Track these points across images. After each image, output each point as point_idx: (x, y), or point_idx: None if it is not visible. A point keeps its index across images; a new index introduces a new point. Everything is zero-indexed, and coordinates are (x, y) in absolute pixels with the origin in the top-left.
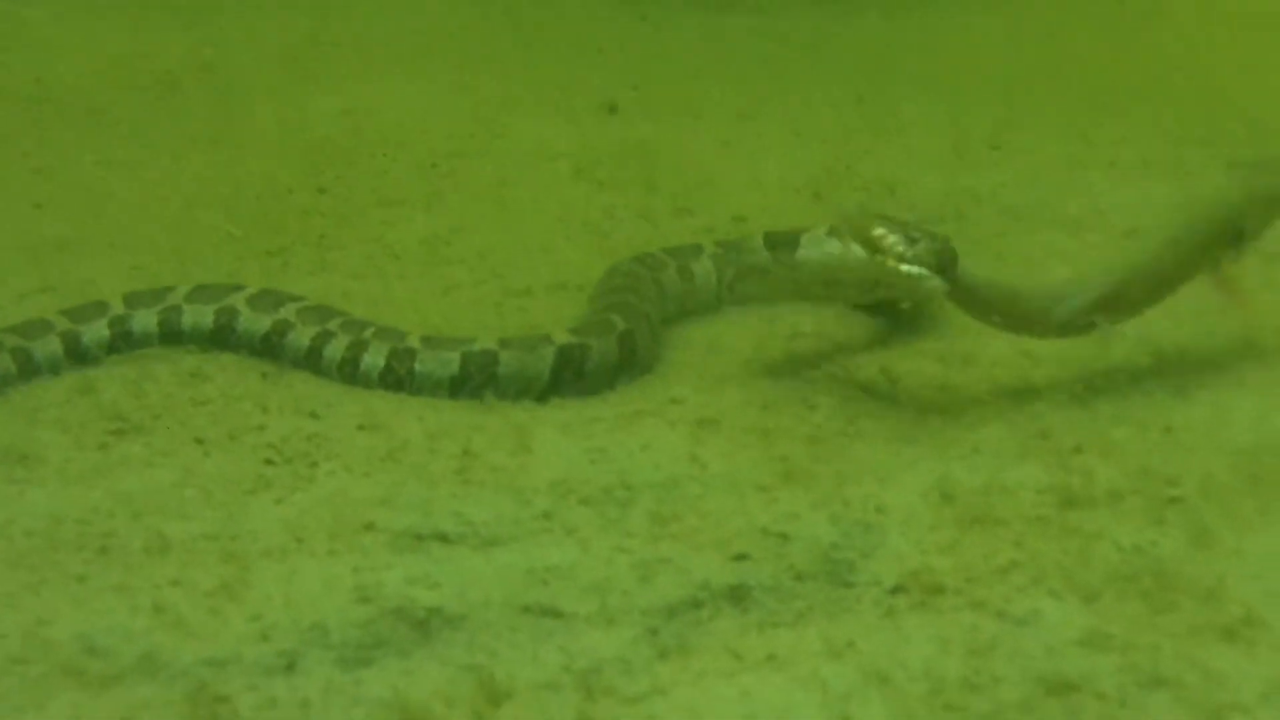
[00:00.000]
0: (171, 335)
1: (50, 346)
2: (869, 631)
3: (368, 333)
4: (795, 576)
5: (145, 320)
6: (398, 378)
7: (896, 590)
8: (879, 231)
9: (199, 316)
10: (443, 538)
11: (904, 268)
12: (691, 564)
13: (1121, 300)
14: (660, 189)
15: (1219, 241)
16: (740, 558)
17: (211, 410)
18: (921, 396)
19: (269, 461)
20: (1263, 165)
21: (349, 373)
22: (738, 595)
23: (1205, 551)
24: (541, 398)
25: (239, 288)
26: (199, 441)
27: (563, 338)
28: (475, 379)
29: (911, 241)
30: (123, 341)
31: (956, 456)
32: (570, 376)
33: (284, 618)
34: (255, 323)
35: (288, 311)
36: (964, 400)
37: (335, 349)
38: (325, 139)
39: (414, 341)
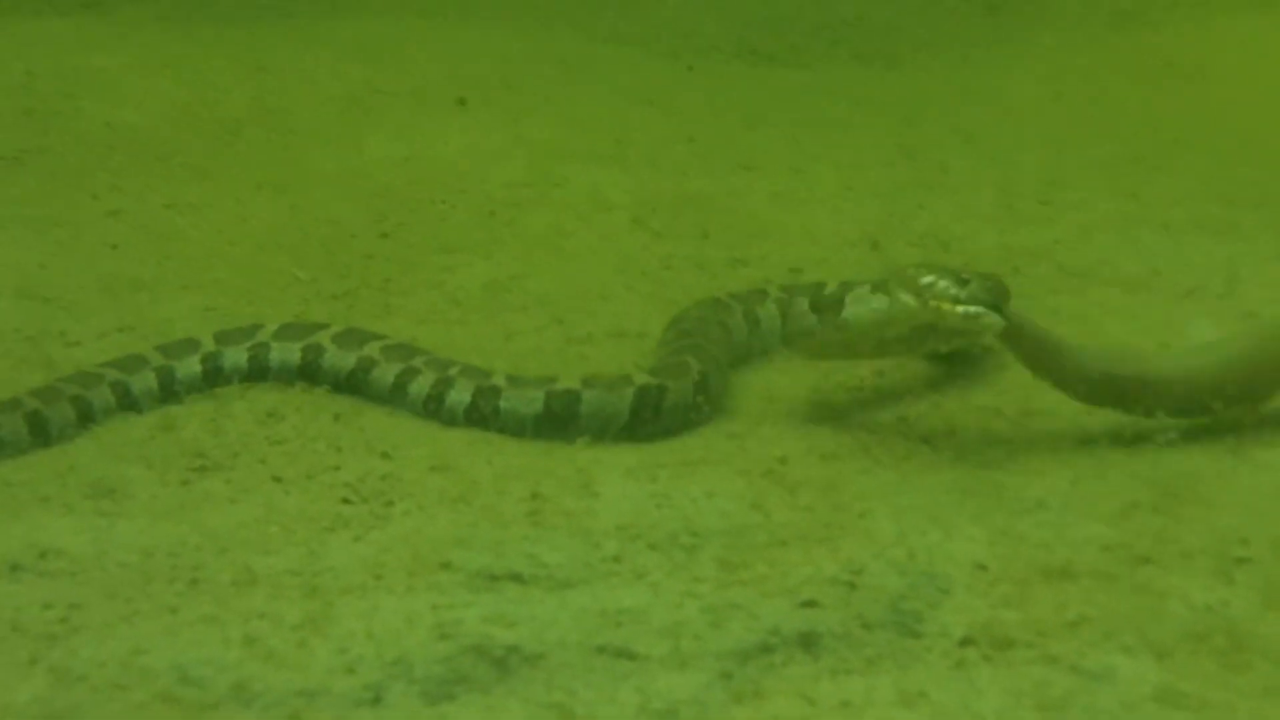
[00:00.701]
0: (259, 371)
1: (146, 381)
2: (940, 682)
3: (453, 370)
4: (864, 625)
5: (235, 357)
6: (482, 415)
7: (965, 642)
8: (929, 279)
9: (286, 354)
10: (517, 578)
11: (959, 309)
12: (761, 610)
13: (1164, 386)
14: (715, 239)
15: None
16: (809, 604)
17: (288, 449)
18: (982, 449)
19: (346, 500)
20: None
21: (434, 409)
22: (808, 641)
23: (1277, 612)
24: (618, 438)
25: (323, 326)
26: (277, 479)
27: (642, 379)
28: (559, 417)
29: (963, 283)
30: (215, 377)
31: (1020, 510)
32: (648, 416)
33: (368, 652)
34: (341, 359)
35: (372, 349)
36: (1024, 453)
37: (421, 385)
38: (386, 185)
39: (499, 380)
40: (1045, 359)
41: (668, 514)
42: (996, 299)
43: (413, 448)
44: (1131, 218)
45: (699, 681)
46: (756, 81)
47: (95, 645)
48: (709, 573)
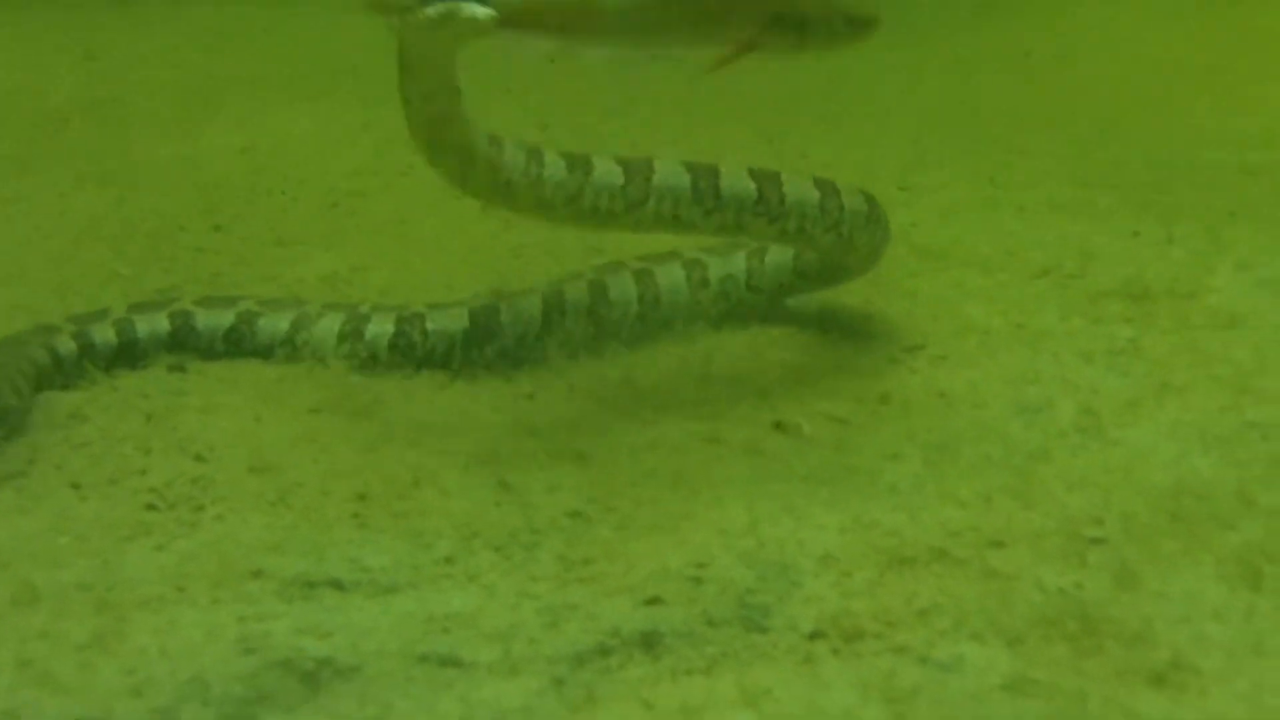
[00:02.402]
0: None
1: None
2: (786, 679)
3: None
4: (709, 622)
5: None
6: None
7: (814, 636)
8: None
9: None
10: (336, 585)
11: (425, 13)
12: (600, 609)
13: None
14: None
15: None
16: (651, 602)
17: (90, 453)
18: (836, 435)
19: (150, 506)
20: None
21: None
22: (649, 642)
23: (1130, 594)
24: None
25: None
26: (75, 486)
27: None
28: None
29: None
30: None
31: (873, 496)
32: None
33: (160, 671)
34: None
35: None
36: (879, 440)
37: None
38: (223, 177)
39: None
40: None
41: (506, 510)
42: None
43: (230, 448)
44: (988, 200)
45: (530, 688)
46: (621, 68)
47: None
48: (548, 571)
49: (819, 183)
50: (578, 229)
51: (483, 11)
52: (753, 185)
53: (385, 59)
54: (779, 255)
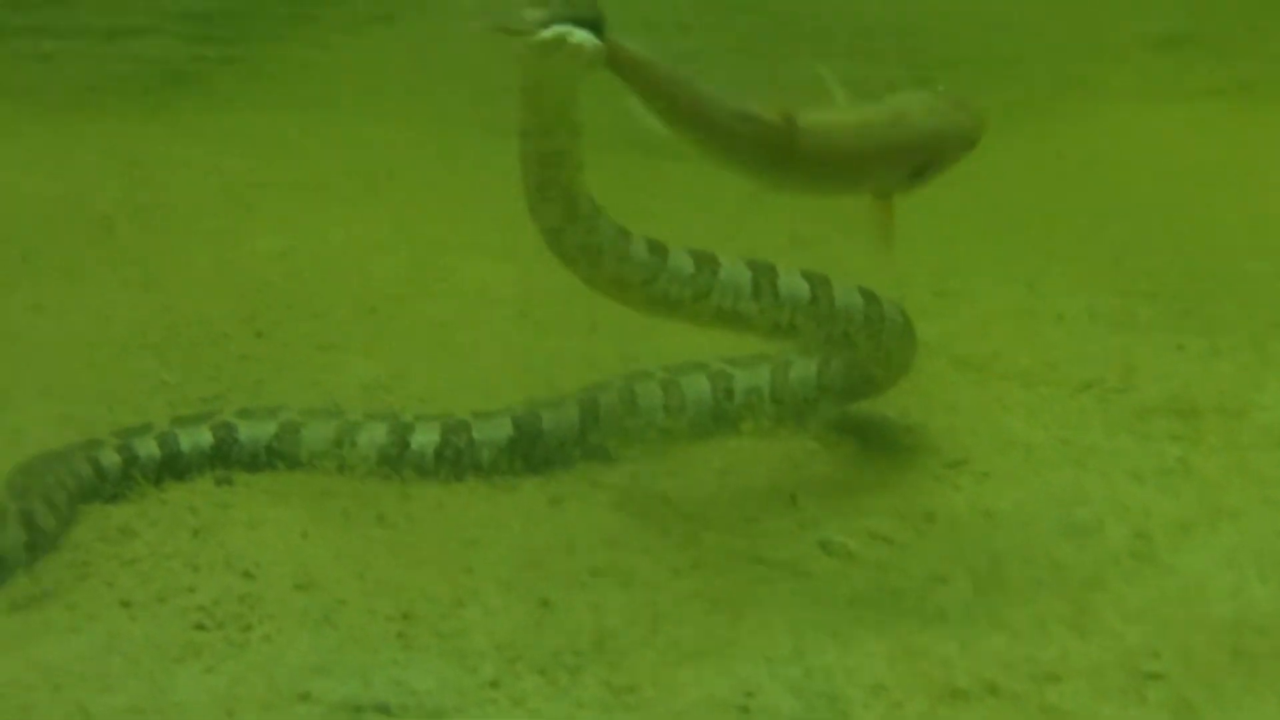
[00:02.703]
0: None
1: None
2: None
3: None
4: None
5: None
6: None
7: None
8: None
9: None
10: (383, 709)
11: (540, 37)
12: None
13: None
14: (604, 334)
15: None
16: None
17: (140, 569)
18: (881, 555)
19: (199, 626)
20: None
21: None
22: None
23: None
24: None
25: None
26: (125, 604)
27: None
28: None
29: (540, 3)
30: None
31: (922, 622)
32: None
33: None
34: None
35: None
36: (926, 561)
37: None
38: (263, 281)
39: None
40: (667, 93)
41: (549, 631)
42: (585, 14)
43: (276, 565)
44: (1026, 309)
45: None
46: (650, 172)
47: None
48: (593, 696)
49: (863, 290)
50: (643, 312)
51: (590, 43)
52: (806, 286)
53: (420, 168)
54: (802, 370)
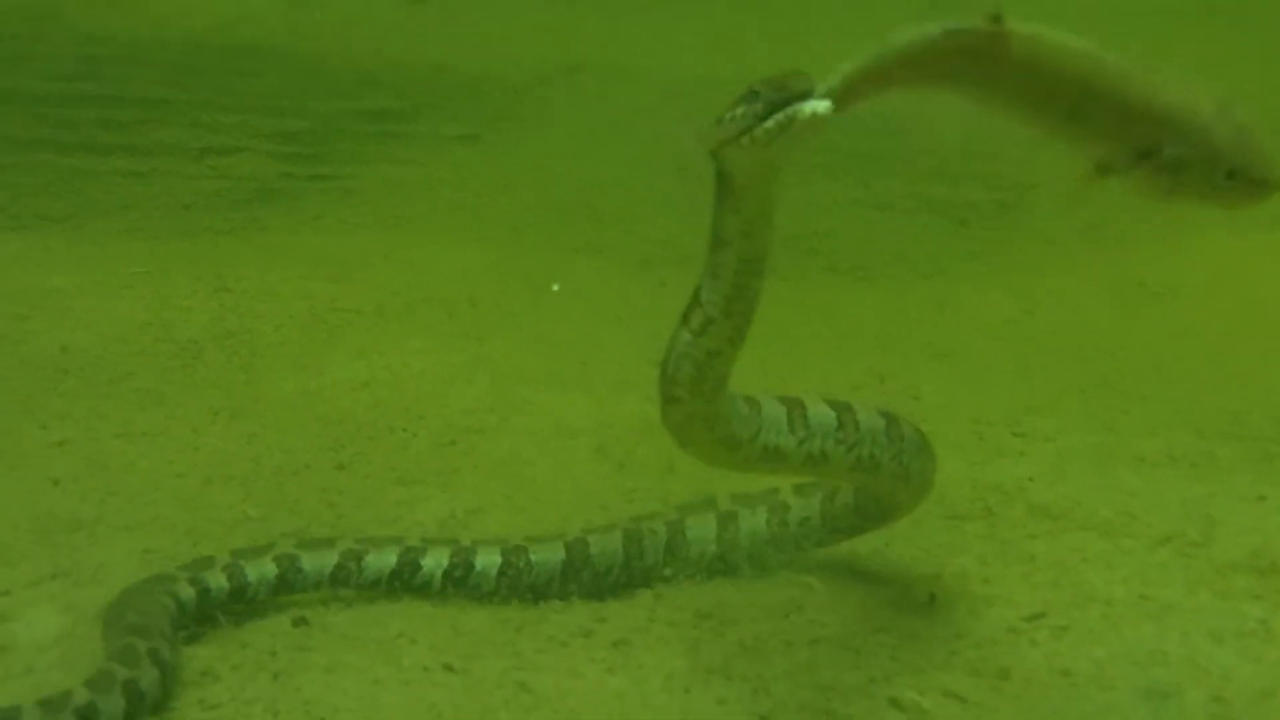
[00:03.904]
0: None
1: None
2: None
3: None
4: None
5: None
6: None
7: None
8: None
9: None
10: None
11: (764, 127)
12: None
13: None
14: (680, 473)
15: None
16: None
17: (220, 715)
18: (954, 715)
19: None
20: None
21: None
22: None
23: None
24: None
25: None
26: None
27: None
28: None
29: (750, 98)
30: None
31: None
32: None
33: None
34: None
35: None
36: None
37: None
38: (345, 412)
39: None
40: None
41: None
42: (789, 90)
43: (350, 713)
44: (1105, 450)
45: None
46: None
47: None
48: None
49: (881, 411)
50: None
51: (822, 105)
52: (833, 413)
53: (499, 295)
54: (805, 509)
